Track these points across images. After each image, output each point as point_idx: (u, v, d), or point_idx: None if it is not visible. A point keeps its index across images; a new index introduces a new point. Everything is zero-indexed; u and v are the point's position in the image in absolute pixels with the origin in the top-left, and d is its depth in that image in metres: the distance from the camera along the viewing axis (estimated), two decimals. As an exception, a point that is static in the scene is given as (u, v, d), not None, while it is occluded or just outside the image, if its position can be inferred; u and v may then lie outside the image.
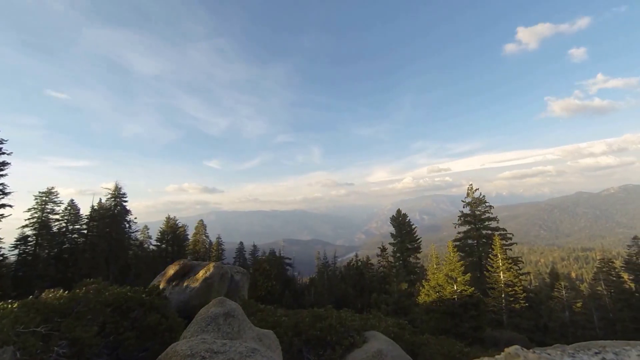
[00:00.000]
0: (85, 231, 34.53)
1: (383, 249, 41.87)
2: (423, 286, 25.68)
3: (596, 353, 2.04)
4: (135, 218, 39.86)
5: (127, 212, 38.87)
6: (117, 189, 38.23)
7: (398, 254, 40.05)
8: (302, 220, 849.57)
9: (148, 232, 44.81)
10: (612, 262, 34.31)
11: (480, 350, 13.72)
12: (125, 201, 38.87)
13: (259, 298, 28.84)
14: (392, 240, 41.28)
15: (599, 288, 33.18)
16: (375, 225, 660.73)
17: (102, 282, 7.00)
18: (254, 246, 52.24)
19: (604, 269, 33.34)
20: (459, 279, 22.11)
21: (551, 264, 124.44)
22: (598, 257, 62.34)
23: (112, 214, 36.98)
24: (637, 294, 30.76)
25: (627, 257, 35.54)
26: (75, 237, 34.02)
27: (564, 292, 31.01)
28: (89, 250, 32.64)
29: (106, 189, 38.31)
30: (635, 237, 35.59)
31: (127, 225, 39.05)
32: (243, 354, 3.64)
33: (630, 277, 33.88)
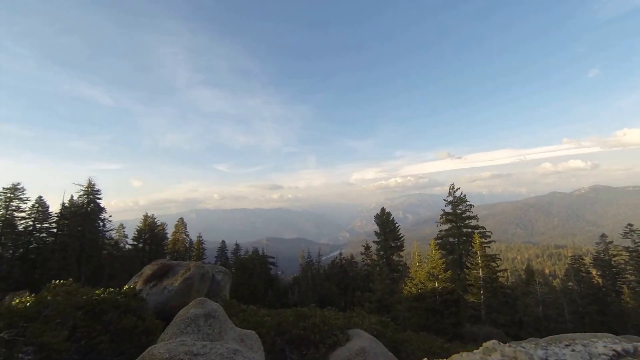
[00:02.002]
0: (54, 230, 32.53)
1: (367, 247, 42.26)
2: (406, 284, 26.15)
3: (567, 345, 2.11)
4: (110, 216, 38.11)
5: (101, 209, 36.93)
6: (91, 185, 36.21)
7: (382, 252, 40.53)
8: (287, 218, 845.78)
9: (124, 231, 43.10)
10: (582, 259, 36.03)
11: (460, 345, 14.08)
12: (100, 198, 36.89)
13: (241, 298, 28.47)
14: (376, 239, 41.73)
15: (570, 284, 34.78)
16: (360, 224, 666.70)
17: (73, 283, 6.64)
18: (237, 245, 51.43)
19: (574, 266, 34.94)
20: (440, 277, 22.65)
21: (527, 261, 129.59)
22: (569, 254, 65.41)
23: (85, 212, 35.06)
24: (603, 289, 32.51)
25: (595, 254, 37.59)
26: (43, 236, 32.09)
27: (538, 288, 32.31)
28: (59, 250, 30.67)
29: (78, 185, 36.12)
30: (602, 235, 37.62)
31: (101, 223, 37.12)
32: (224, 356, 3.56)
33: (598, 273, 35.77)
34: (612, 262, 35.47)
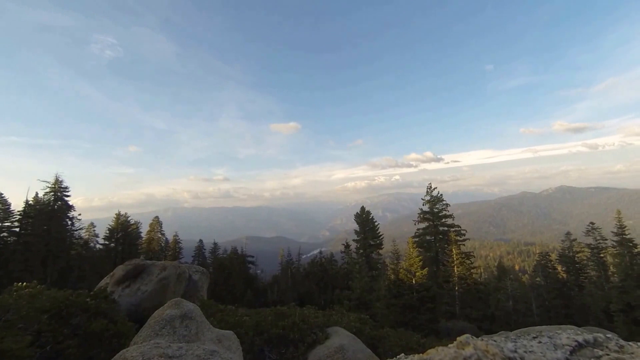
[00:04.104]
0: (17, 229, 30.27)
1: (347, 246, 42.61)
2: (384, 281, 26.64)
3: (534, 337, 2.22)
4: (79, 214, 36.02)
5: (70, 207, 34.84)
6: (58, 182, 33.98)
7: (361, 250, 40.99)
8: (266, 216, 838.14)
9: (94, 230, 41.05)
10: (549, 256, 38.08)
11: (435, 340, 14.48)
12: (67, 196, 34.77)
13: (219, 298, 27.92)
14: (356, 237, 42.16)
15: (538, 279, 36.71)
16: (340, 222, 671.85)
17: (38, 285, 6.25)
18: (215, 244, 50.41)
19: (542, 262, 36.89)
20: (417, 274, 23.23)
21: (498, 257, 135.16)
22: (537, 251, 68.95)
23: (52, 210, 33.02)
24: (568, 284, 34.52)
25: (560, 251, 39.91)
26: (4, 236, 29.82)
27: (508, 283, 33.85)
28: (22, 251, 28.68)
29: (44, 182, 33.74)
30: (567, 233, 39.97)
31: (69, 222, 35.10)
32: (201, 357, 3.46)
33: (563, 269, 37.96)
34: (576, 259, 37.77)
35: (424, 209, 38.41)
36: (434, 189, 38.17)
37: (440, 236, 36.26)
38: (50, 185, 33.83)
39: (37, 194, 33.49)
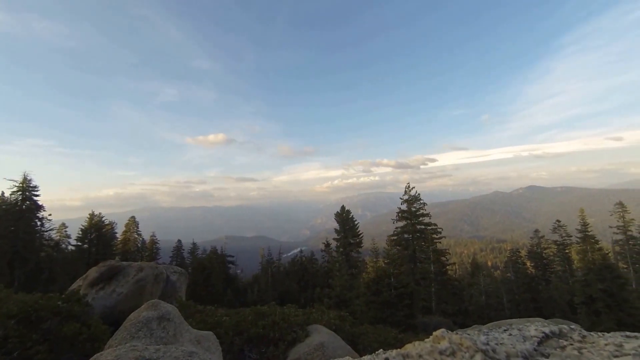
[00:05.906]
0: None
1: (327, 244, 42.82)
2: (364, 279, 27.04)
3: (505, 330, 2.37)
4: (50, 215, 34.07)
5: (39, 207, 32.85)
6: (26, 181, 32.04)
7: (341, 249, 41.30)
8: (246, 216, 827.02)
9: (66, 231, 38.97)
10: (519, 252, 40.06)
11: (413, 335, 14.87)
12: (37, 195, 32.75)
13: (198, 298, 27.32)
14: (336, 236, 42.43)
15: (508, 274, 38.51)
16: (321, 221, 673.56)
17: (4, 289, 5.89)
18: (194, 244, 49.23)
19: (512, 258, 38.74)
20: (395, 271, 23.74)
21: (472, 254, 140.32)
22: (508, 248, 72.29)
23: (19, 210, 31.18)
24: (536, 278, 36.47)
25: (529, 248, 42.12)
26: (-33, 238, 28.08)
27: (481, 279, 35.29)
28: (-14, 253, 27.12)
29: (11, 180, 31.75)
30: (536, 231, 42.25)
31: (39, 222, 33.17)
32: (179, 359, 3.41)
33: (532, 264, 40.09)
34: (543, 255, 39.97)
35: (402, 208, 39.09)
36: (412, 188, 38.96)
37: (418, 234, 37.06)
38: (17, 185, 31.74)
39: (2, 193, 31.38)
